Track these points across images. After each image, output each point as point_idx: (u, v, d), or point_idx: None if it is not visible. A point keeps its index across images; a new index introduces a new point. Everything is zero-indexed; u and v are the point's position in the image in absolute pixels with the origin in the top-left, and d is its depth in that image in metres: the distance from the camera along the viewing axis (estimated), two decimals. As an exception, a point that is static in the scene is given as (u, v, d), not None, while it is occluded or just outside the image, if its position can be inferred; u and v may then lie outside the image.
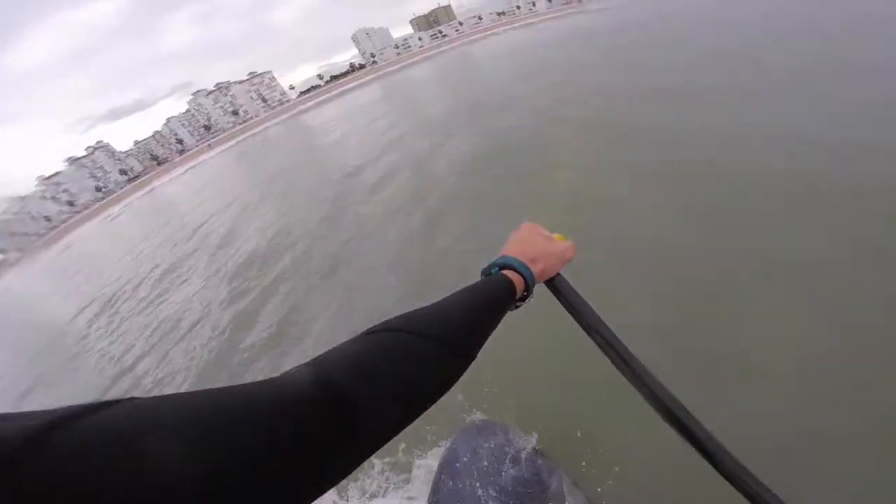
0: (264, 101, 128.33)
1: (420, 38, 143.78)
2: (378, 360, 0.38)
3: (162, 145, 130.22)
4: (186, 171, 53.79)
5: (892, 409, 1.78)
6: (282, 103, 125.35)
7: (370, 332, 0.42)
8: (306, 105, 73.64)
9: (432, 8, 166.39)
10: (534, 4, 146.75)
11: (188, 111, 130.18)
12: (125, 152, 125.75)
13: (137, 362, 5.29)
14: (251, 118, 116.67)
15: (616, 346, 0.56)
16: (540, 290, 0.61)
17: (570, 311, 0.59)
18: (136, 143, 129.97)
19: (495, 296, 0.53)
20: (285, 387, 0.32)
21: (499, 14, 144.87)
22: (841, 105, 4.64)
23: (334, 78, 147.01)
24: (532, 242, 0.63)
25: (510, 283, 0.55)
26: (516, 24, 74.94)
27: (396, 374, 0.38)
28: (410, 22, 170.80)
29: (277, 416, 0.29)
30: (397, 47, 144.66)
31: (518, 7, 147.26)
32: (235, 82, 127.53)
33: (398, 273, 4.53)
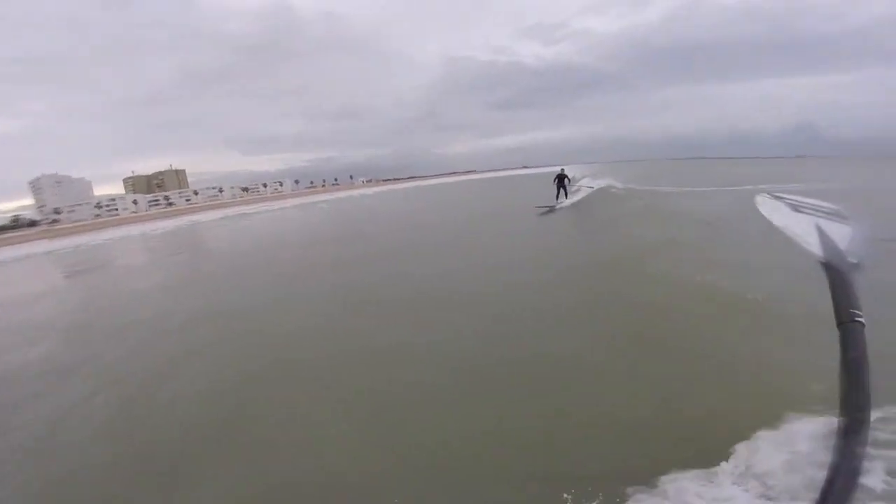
0: None
1: (136, 202, 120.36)
2: None
3: None
4: None
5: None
6: None
7: None
8: None
9: (163, 169, 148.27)
10: (280, 184, 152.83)
11: None
12: None
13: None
14: None
15: None
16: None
17: None
18: None
19: None
20: None
21: (243, 189, 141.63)
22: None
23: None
24: None
25: None
26: (260, 204, 70.03)
27: None
28: (125, 181, 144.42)
29: None
30: (99, 206, 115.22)
31: (264, 185, 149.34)
32: None
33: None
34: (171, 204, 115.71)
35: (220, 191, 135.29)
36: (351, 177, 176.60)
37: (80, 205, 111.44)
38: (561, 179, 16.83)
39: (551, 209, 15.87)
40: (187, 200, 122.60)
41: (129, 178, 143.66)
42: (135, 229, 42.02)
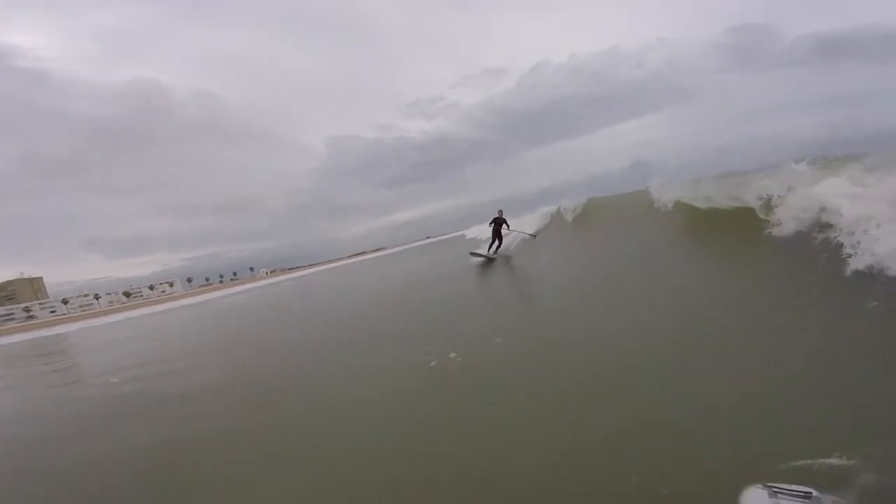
0: None
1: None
2: None
3: None
4: None
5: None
6: None
7: None
8: None
9: (12, 277, 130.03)
10: (171, 285, 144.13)
11: None
12: None
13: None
14: None
15: None
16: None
17: None
18: None
19: None
20: None
21: (125, 294, 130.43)
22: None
23: None
24: None
25: None
26: (142, 309, 65.78)
27: None
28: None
29: None
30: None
31: (151, 287, 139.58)
32: None
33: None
34: (31, 317, 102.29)
35: (97, 297, 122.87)
36: (251, 269, 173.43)
37: None
38: (498, 224, 13.72)
39: (486, 259, 13.59)
40: (52, 311, 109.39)
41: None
42: None
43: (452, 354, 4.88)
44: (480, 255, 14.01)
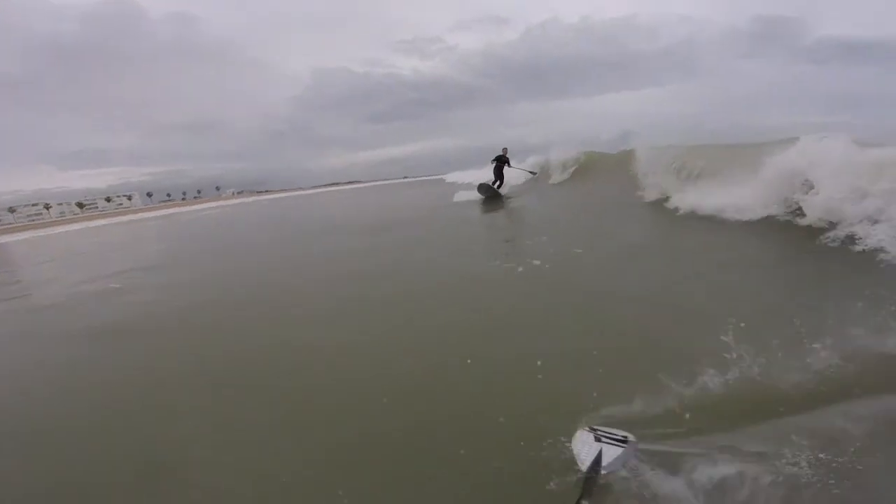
0: None
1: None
2: None
3: None
4: None
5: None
6: None
7: None
8: None
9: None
10: (129, 198, 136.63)
11: None
12: None
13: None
14: None
15: None
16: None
17: None
18: None
19: None
20: None
21: (78, 205, 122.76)
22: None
23: None
24: None
25: None
26: (98, 221, 62.27)
27: None
28: None
29: None
30: None
31: (108, 199, 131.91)
32: None
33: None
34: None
35: (48, 207, 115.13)
36: (217, 188, 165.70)
37: None
38: (501, 163, 13.74)
39: (490, 195, 13.33)
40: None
41: None
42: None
43: (536, 262, 4.74)
44: (486, 191, 13.58)
